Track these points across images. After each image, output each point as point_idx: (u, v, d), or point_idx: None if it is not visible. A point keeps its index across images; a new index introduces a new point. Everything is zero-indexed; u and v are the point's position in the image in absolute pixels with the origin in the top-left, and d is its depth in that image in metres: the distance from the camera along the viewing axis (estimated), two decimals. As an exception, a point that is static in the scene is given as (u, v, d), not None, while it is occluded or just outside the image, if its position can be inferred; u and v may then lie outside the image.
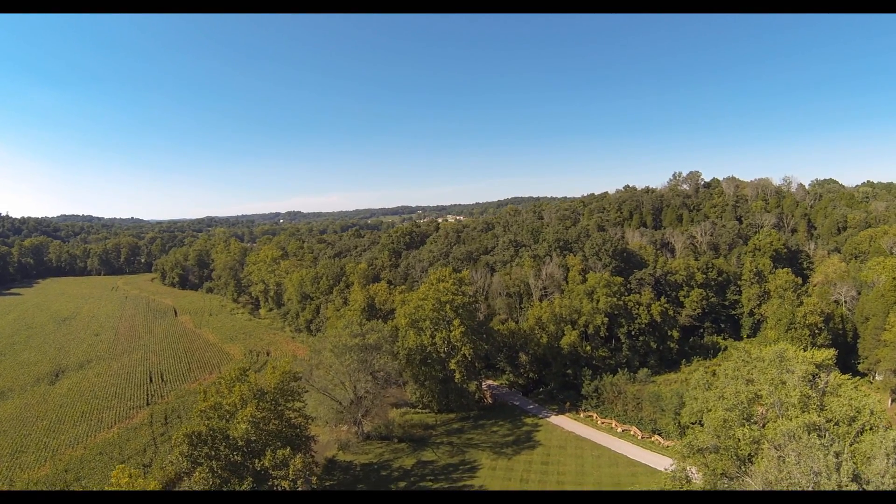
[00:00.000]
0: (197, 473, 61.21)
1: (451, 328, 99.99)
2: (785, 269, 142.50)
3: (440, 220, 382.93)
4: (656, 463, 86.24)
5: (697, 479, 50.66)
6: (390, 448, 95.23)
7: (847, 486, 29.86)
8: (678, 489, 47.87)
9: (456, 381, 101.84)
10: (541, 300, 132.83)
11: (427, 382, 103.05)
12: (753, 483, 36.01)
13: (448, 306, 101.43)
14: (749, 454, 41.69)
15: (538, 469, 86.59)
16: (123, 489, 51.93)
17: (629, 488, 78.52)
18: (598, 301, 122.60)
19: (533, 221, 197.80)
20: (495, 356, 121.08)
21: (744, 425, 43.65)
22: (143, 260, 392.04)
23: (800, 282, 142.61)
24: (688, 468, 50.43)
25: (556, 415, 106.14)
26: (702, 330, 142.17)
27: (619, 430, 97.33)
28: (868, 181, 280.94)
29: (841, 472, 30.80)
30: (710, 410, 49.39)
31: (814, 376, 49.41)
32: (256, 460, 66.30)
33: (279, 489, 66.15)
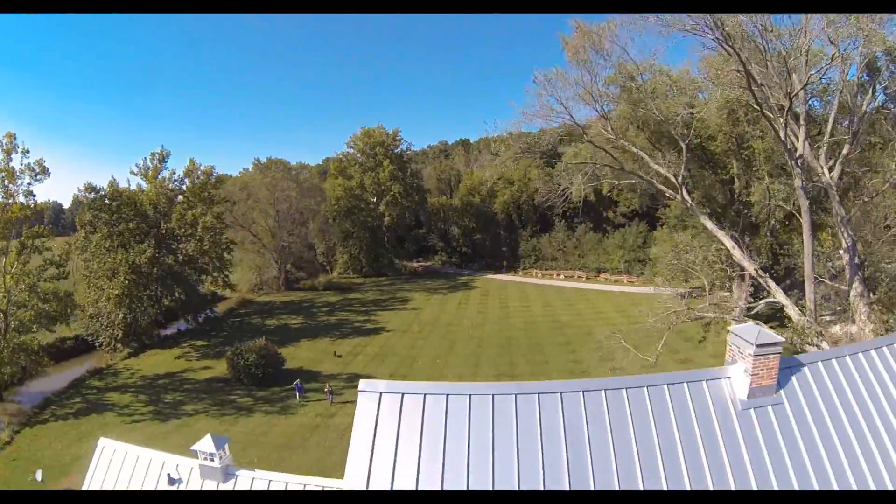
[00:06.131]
0: (94, 242, 53.15)
1: (382, 169, 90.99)
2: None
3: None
4: (605, 288, 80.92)
5: None
6: (314, 293, 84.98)
7: None
8: None
9: (385, 226, 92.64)
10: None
11: (356, 232, 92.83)
12: None
13: (379, 148, 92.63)
14: None
15: (477, 299, 78.64)
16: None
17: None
18: (529, 178, 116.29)
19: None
20: (426, 234, 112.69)
21: None
22: None
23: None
24: None
25: (493, 274, 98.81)
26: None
27: (562, 276, 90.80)
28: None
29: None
30: None
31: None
32: (162, 223, 57.83)
33: (183, 253, 56.13)
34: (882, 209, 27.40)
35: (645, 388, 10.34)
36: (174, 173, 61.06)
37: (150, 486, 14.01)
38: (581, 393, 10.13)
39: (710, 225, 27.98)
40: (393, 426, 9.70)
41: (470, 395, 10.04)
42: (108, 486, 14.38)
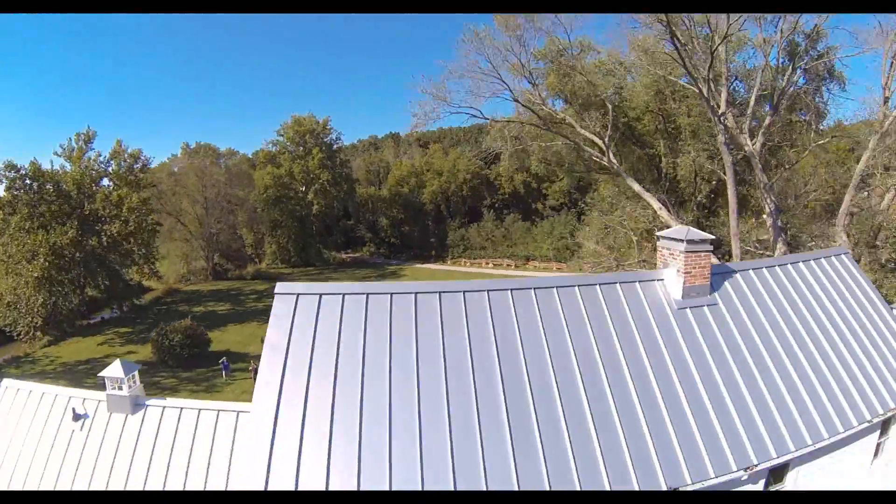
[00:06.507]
0: (13, 224, 48.86)
1: (311, 157, 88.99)
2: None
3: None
4: (534, 275, 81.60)
5: None
6: (243, 282, 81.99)
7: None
8: None
9: (314, 215, 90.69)
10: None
11: (284, 221, 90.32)
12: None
13: (308, 136, 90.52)
14: None
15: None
16: None
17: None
18: (458, 169, 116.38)
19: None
20: (354, 225, 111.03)
21: None
22: None
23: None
24: None
25: (421, 263, 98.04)
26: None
27: (491, 264, 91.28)
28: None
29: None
30: None
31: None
32: (86, 203, 54.02)
33: (107, 234, 52.87)
34: (802, 176, 28.57)
35: (577, 288, 9.78)
36: (100, 155, 57.13)
37: (54, 423, 12.76)
38: (509, 291, 9.46)
39: (637, 187, 28.22)
40: (309, 329, 8.85)
41: (391, 294, 9.25)
42: (12, 426, 13.17)
